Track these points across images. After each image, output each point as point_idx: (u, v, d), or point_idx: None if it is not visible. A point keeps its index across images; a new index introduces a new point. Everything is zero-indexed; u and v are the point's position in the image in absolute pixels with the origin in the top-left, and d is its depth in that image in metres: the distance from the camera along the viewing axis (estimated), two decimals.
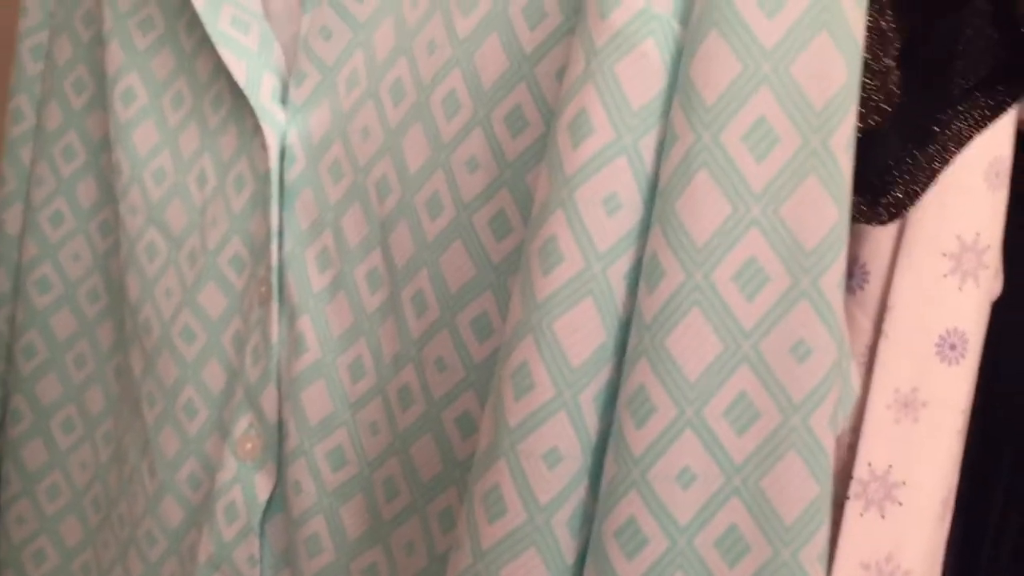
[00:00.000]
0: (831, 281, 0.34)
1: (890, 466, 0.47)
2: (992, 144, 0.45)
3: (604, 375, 0.36)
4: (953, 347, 0.46)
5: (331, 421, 0.46)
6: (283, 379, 0.47)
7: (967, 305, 0.46)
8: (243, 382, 0.49)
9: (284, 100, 0.48)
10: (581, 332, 0.35)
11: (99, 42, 0.56)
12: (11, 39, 0.60)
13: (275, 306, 0.47)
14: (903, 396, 0.47)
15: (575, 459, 0.35)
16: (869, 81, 0.40)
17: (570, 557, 0.36)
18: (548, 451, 0.35)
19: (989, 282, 0.47)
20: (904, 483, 0.47)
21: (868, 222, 0.44)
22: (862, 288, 0.48)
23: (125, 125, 0.53)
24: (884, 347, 0.47)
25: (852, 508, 0.47)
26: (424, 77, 0.43)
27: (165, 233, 0.53)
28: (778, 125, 0.34)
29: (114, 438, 0.57)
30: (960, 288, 0.46)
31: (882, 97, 0.40)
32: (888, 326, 0.47)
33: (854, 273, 0.48)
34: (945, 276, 0.46)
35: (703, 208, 0.34)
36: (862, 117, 0.40)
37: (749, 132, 0.34)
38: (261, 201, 0.49)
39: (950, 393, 0.46)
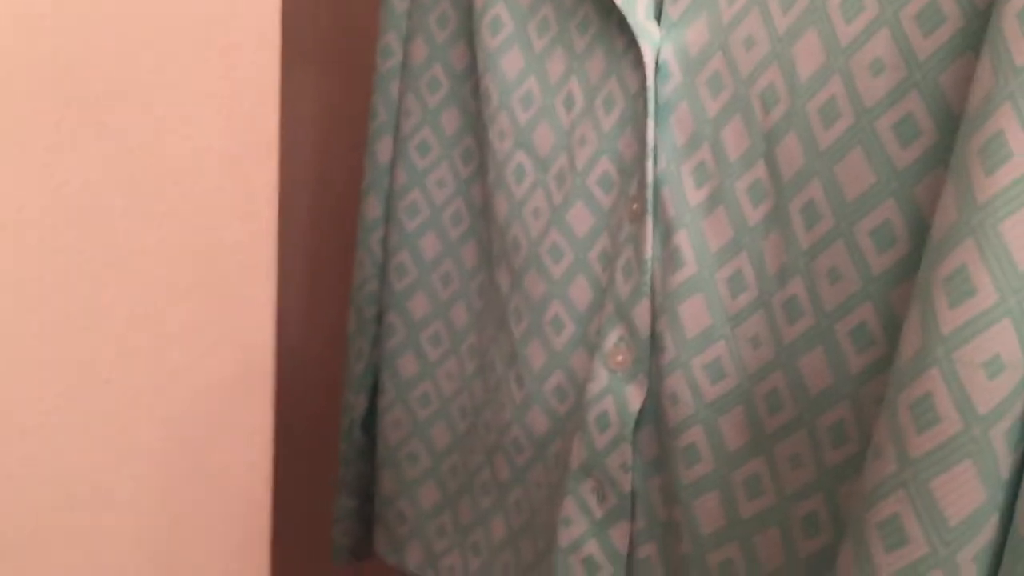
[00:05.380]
0: None
1: None
2: None
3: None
4: None
5: (709, 334, 0.46)
6: (657, 293, 0.48)
7: None
8: (612, 297, 0.50)
9: (658, 17, 0.48)
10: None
11: None
12: None
13: (649, 222, 0.48)
14: None
15: None
16: None
17: None
18: None
19: None
20: None
21: None
22: None
23: (493, 53, 0.56)
24: None
25: None
26: None
27: (532, 155, 0.55)
28: None
29: (478, 351, 0.61)
30: None
31: None
32: None
33: None
34: None
35: None
36: None
37: None
38: (632, 119, 0.49)
39: None
